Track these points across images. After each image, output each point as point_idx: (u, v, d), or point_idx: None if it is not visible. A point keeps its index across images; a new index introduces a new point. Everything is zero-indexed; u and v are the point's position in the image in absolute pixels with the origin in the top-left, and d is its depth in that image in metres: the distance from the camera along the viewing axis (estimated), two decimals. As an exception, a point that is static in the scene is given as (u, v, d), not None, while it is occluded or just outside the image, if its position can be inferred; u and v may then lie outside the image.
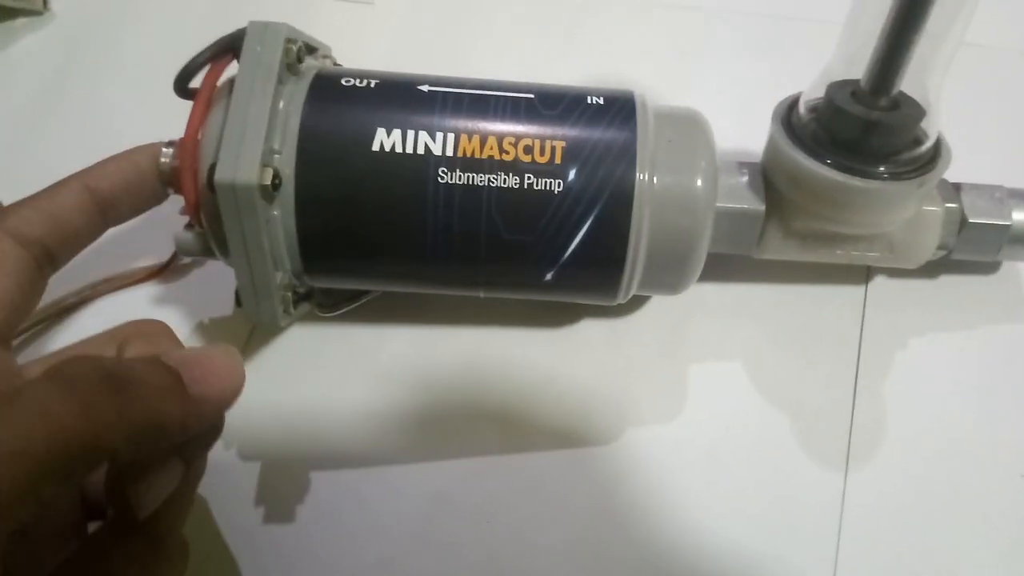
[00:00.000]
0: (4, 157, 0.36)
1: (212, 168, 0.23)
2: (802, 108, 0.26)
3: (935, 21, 0.22)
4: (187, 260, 0.32)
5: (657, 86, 0.35)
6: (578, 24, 0.39)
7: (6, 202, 0.24)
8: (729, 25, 0.39)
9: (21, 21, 0.40)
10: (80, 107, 0.38)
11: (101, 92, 0.38)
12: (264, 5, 0.39)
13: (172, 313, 0.31)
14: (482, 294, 0.28)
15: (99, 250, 0.31)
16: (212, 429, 0.21)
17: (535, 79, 0.28)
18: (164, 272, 0.32)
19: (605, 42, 0.38)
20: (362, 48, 0.38)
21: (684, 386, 0.29)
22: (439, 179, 0.24)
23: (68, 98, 0.38)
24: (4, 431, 0.15)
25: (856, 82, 0.25)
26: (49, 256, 0.23)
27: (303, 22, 0.38)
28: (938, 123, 0.25)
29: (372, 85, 0.25)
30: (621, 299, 0.27)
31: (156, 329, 0.24)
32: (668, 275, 0.27)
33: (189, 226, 0.27)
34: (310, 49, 0.27)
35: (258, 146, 0.23)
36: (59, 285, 0.30)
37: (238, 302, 0.26)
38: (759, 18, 0.38)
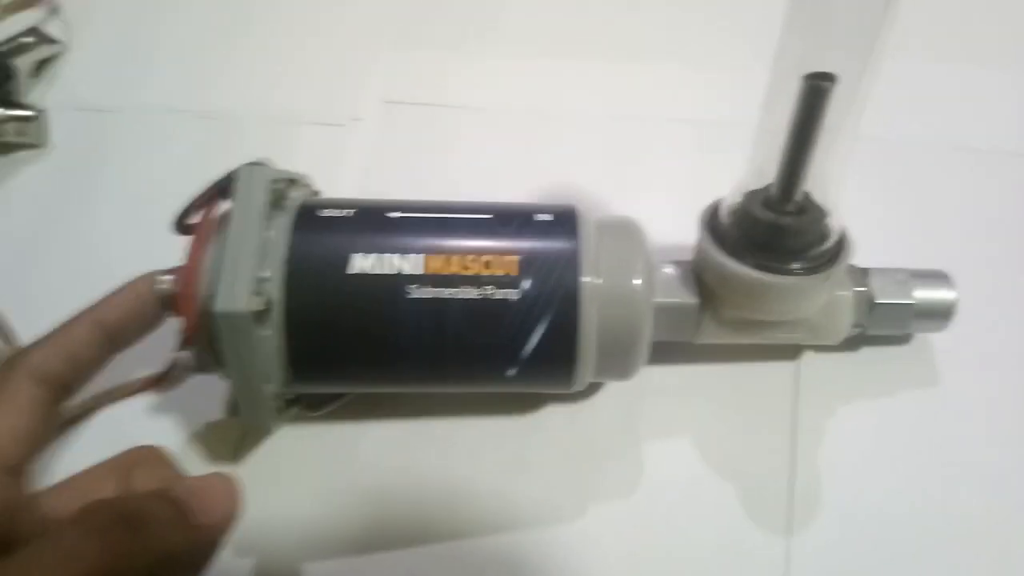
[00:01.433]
0: (3, 282, 0.38)
1: (210, 298, 0.26)
2: (723, 213, 0.30)
3: (828, 131, 0.26)
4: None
5: (602, 190, 0.39)
6: (532, 136, 0.43)
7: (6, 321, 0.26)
8: (664, 131, 0.43)
9: (22, 154, 0.43)
10: (75, 236, 0.40)
11: (95, 222, 0.40)
12: (245, 135, 0.43)
13: (169, 419, 0.34)
14: (452, 390, 0.31)
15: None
16: (211, 552, 0.24)
17: (496, 189, 0.31)
18: (161, 383, 0.35)
19: (556, 151, 0.42)
20: (338, 166, 0.42)
21: (640, 462, 0.32)
22: (410, 295, 0.27)
23: (64, 227, 0.40)
24: (38, 572, 0.18)
25: (767, 189, 0.29)
26: (65, 388, 0.26)
27: (284, 145, 0.43)
28: (840, 221, 0.29)
29: (349, 214, 0.29)
30: (578, 387, 0.30)
31: (156, 455, 0.26)
32: (617, 364, 0.30)
33: (185, 345, 0.29)
34: (292, 181, 0.31)
35: (249, 277, 0.26)
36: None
37: (233, 412, 0.29)
38: (691, 124, 0.43)
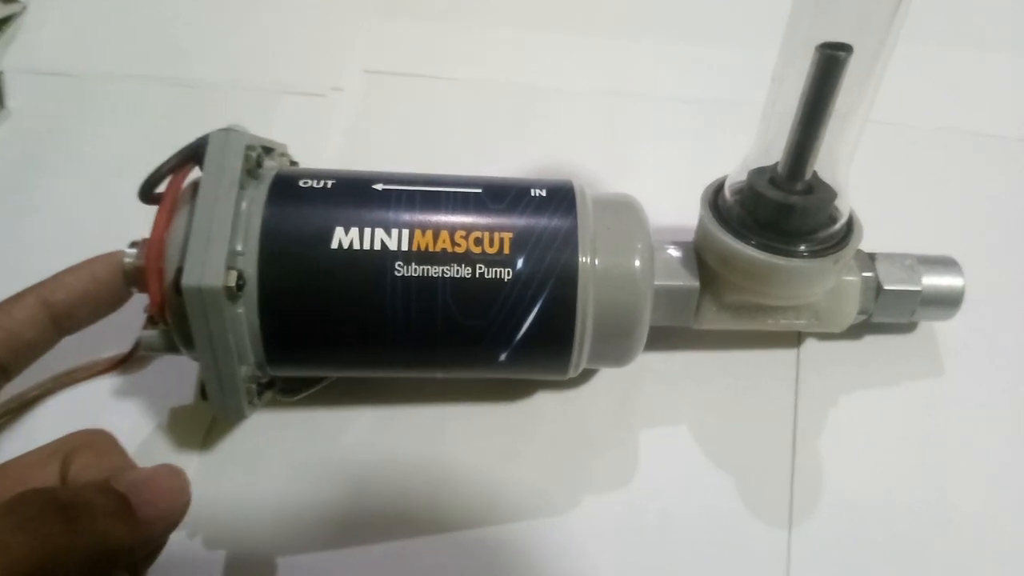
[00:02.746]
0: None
1: (179, 271, 0.24)
2: (727, 192, 0.28)
3: (840, 108, 0.25)
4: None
5: (599, 169, 0.38)
6: (526, 112, 0.41)
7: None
8: (664, 110, 0.41)
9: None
10: (37, 203, 0.38)
11: (55, 191, 0.39)
12: (220, 105, 0.41)
13: (135, 402, 0.32)
14: (440, 375, 0.29)
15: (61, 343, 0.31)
16: (157, 547, 0.22)
17: (486, 165, 0.29)
18: (125, 363, 0.33)
19: (551, 128, 0.41)
20: (319, 138, 0.40)
21: (635, 452, 0.31)
22: (396, 272, 0.26)
23: (25, 194, 0.38)
24: None
25: (774, 167, 0.28)
26: (2, 369, 0.24)
27: (261, 116, 0.41)
28: (849, 202, 0.28)
29: (329, 185, 0.27)
30: (572, 374, 0.29)
31: (101, 439, 0.24)
32: (614, 349, 0.28)
33: (151, 323, 0.27)
34: (268, 150, 0.29)
35: (223, 250, 0.24)
36: (21, 378, 0.31)
37: (203, 395, 0.27)
38: (690, 103, 0.41)
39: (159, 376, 0.33)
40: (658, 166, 0.38)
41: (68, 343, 0.32)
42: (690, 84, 0.42)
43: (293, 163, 0.31)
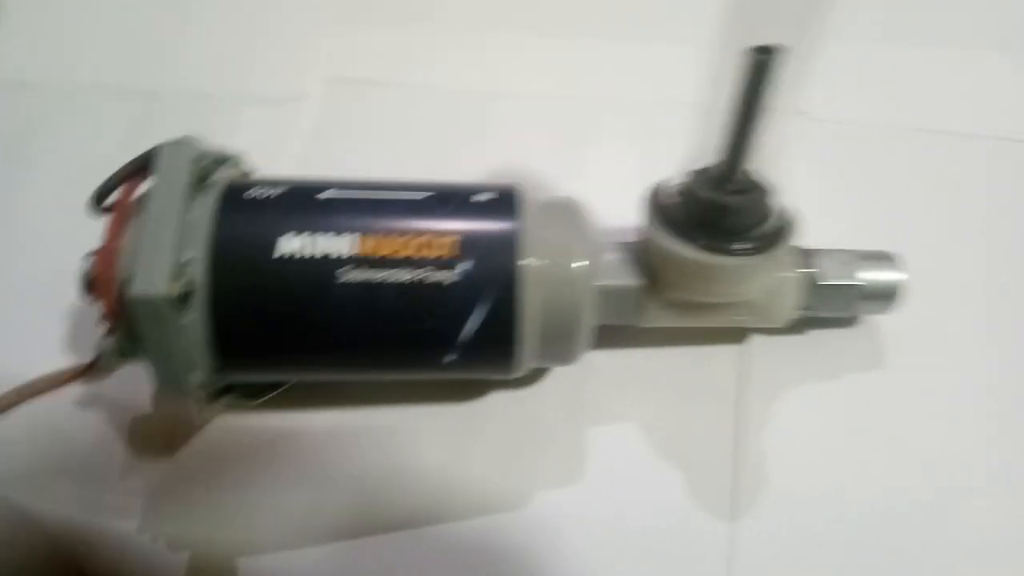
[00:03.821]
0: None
1: (125, 281, 0.25)
2: (666, 194, 0.29)
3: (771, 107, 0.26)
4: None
5: (555, 171, 0.39)
6: (484, 117, 0.42)
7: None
8: (617, 111, 0.42)
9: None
10: (4, 214, 0.38)
11: (18, 202, 0.39)
12: (184, 114, 0.41)
13: (100, 411, 0.32)
14: (391, 377, 0.30)
15: (23, 352, 0.32)
16: None
17: (446, 171, 0.30)
18: (89, 372, 0.33)
19: (509, 132, 0.41)
20: (283, 146, 0.40)
21: (584, 449, 0.31)
22: (341, 278, 0.26)
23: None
24: None
25: (711, 168, 0.28)
26: None
27: (225, 125, 0.41)
28: (782, 200, 0.29)
29: (277, 194, 0.28)
30: (519, 373, 0.30)
31: None
32: (558, 349, 0.29)
33: (110, 332, 0.28)
34: (221, 160, 0.30)
35: (168, 260, 0.25)
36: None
37: (157, 402, 0.28)
38: (642, 104, 0.42)
39: (123, 384, 0.33)
40: (612, 167, 0.39)
41: (31, 354, 0.33)
42: (640, 85, 0.43)
43: (248, 171, 0.32)
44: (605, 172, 0.38)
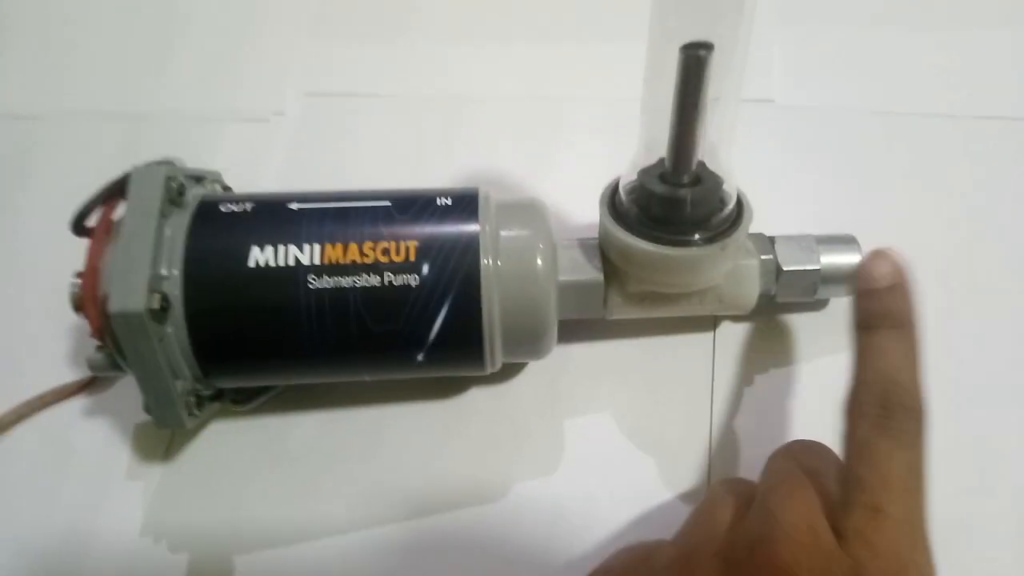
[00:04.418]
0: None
1: (105, 298, 0.26)
2: (621, 192, 0.30)
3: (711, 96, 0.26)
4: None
5: (524, 172, 0.40)
6: (455, 122, 0.43)
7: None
8: (581, 111, 0.43)
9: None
10: (10, 240, 0.40)
11: (20, 230, 0.40)
12: (170, 136, 0.43)
13: (101, 422, 0.34)
14: (367, 378, 0.31)
15: (30, 367, 0.34)
16: None
17: (419, 175, 0.31)
18: (91, 385, 0.35)
19: (479, 136, 0.42)
20: (264, 162, 0.42)
21: (561, 440, 0.32)
22: (309, 285, 0.28)
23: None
24: None
25: (662, 163, 0.29)
26: None
27: (208, 144, 0.43)
28: (736, 186, 0.29)
29: (248, 208, 0.29)
30: (490, 369, 0.31)
31: None
32: (525, 344, 0.30)
33: (100, 347, 0.30)
34: (198, 179, 0.31)
35: (144, 276, 0.26)
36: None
37: (147, 410, 0.29)
38: (605, 101, 0.42)
39: (123, 396, 0.35)
40: (578, 164, 0.40)
41: (37, 369, 0.35)
42: (603, 83, 0.43)
43: (227, 188, 0.33)
44: (574, 170, 0.39)
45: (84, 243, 0.29)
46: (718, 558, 0.23)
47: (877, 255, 0.27)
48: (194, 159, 0.32)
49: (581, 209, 0.36)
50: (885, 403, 0.23)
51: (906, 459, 0.23)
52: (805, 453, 0.26)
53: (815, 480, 0.24)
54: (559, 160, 0.41)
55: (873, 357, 0.25)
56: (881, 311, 0.26)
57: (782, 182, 0.36)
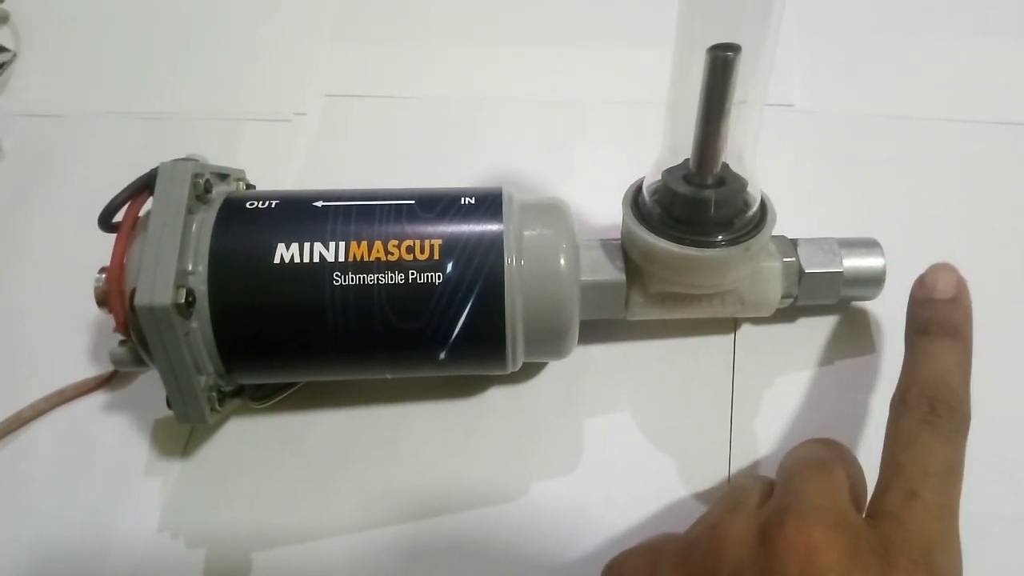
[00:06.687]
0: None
1: (132, 292, 0.27)
2: (645, 192, 0.30)
3: (737, 99, 0.27)
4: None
5: (544, 173, 0.40)
6: (476, 123, 0.43)
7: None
8: (602, 113, 0.43)
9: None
10: (29, 243, 0.41)
11: (47, 228, 0.41)
12: (193, 135, 0.43)
13: (121, 416, 0.34)
14: (388, 376, 0.31)
15: (52, 363, 0.34)
16: None
17: (440, 176, 0.31)
18: (111, 381, 0.35)
19: (499, 137, 0.42)
20: (285, 161, 0.42)
21: (581, 440, 0.32)
22: (334, 282, 0.28)
23: (17, 234, 0.41)
24: None
25: (686, 164, 0.29)
26: None
27: (231, 143, 0.43)
28: (760, 188, 0.30)
29: (273, 205, 0.29)
30: (511, 368, 0.31)
31: None
32: (547, 344, 0.30)
33: (123, 341, 0.30)
34: (222, 176, 0.31)
35: (171, 271, 0.26)
36: (15, 400, 0.34)
37: (169, 405, 0.29)
38: (626, 104, 0.43)
39: (143, 391, 0.35)
40: (598, 167, 0.40)
41: (58, 365, 0.35)
42: (624, 86, 0.43)
43: (250, 186, 0.34)
44: (594, 173, 0.39)
45: (101, 241, 0.29)
46: (751, 525, 0.23)
47: (941, 267, 0.28)
48: (216, 158, 0.32)
49: (600, 211, 0.36)
50: (933, 401, 0.24)
51: (947, 454, 0.23)
52: (823, 446, 0.26)
53: (836, 466, 0.24)
54: (579, 163, 0.41)
55: (926, 359, 0.26)
56: (939, 320, 0.26)
57: (800, 186, 0.36)
